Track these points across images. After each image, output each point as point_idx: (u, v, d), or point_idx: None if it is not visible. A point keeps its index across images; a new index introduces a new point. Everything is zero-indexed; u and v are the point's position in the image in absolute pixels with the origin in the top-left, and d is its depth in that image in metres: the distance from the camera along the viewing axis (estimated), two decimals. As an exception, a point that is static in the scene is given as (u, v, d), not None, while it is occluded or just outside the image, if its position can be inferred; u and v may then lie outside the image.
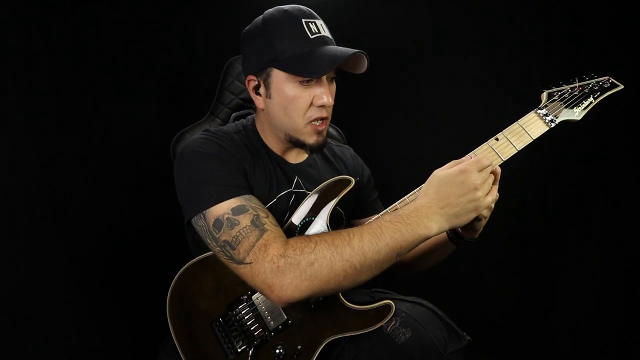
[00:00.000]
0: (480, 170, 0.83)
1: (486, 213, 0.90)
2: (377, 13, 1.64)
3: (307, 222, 0.98)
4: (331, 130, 1.42)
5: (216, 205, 0.87)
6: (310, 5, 1.00)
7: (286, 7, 0.97)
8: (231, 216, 0.85)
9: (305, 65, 0.92)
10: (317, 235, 0.83)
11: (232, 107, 1.33)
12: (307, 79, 0.94)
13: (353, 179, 1.00)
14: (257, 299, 0.94)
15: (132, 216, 1.45)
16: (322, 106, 0.97)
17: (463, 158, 0.88)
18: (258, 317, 0.94)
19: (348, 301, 0.96)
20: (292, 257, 0.79)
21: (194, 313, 0.94)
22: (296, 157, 1.12)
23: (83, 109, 1.32)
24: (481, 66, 1.67)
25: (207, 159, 0.92)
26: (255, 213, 0.86)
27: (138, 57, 1.44)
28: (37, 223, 1.21)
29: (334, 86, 1.02)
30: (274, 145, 1.08)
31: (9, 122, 1.16)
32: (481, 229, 0.96)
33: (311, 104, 0.96)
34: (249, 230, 0.83)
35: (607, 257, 1.72)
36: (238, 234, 0.83)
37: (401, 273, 1.25)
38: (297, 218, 0.99)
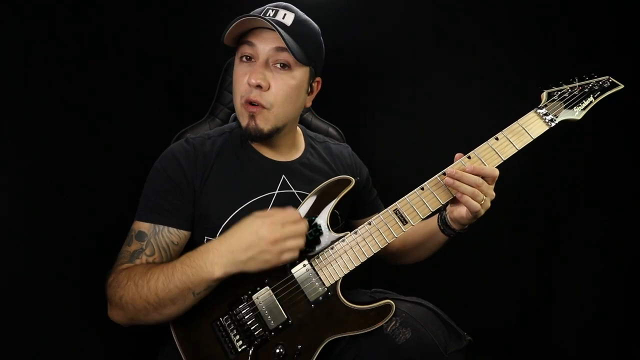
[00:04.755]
0: (285, 224, 0.85)
1: (481, 212, 0.93)
2: (377, 12, 1.64)
3: (308, 222, 0.98)
4: (331, 130, 1.42)
5: (137, 221, 0.99)
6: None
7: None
8: (133, 236, 0.97)
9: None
10: (135, 269, 0.91)
11: (232, 107, 1.33)
12: (246, 55, 0.99)
13: (353, 179, 1.00)
14: (257, 298, 0.94)
15: (132, 216, 1.44)
16: (254, 86, 0.96)
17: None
18: (258, 317, 0.94)
19: (349, 301, 0.96)
20: (111, 289, 0.91)
21: (194, 313, 0.94)
22: (287, 155, 1.12)
23: (83, 109, 1.32)
24: (482, 65, 1.67)
25: (156, 176, 1.01)
26: (144, 247, 0.96)
27: (138, 57, 1.44)
28: (37, 223, 1.21)
29: (282, 74, 0.99)
30: (260, 144, 1.08)
31: (9, 122, 1.16)
32: (469, 222, 0.97)
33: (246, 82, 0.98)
34: (126, 256, 0.95)
35: (608, 258, 1.72)
36: (123, 251, 0.96)
37: (399, 264, 1.25)
38: None
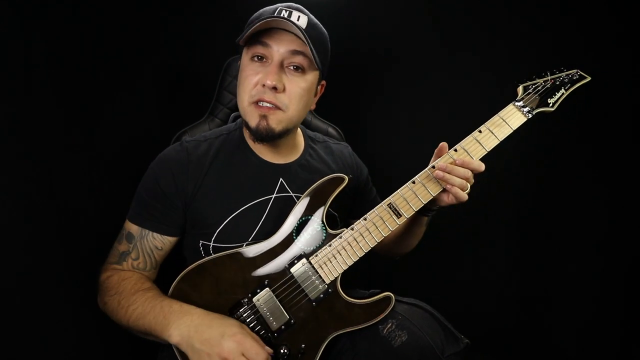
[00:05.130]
0: None
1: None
2: (377, 12, 1.64)
3: (303, 221, 0.99)
4: (330, 129, 1.42)
5: (128, 221, 1.03)
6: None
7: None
8: (124, 235, 1.02)
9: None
10: (127, 282, 0.96)
11: (231, 107, 1.34)
12: (258, 55, 0.97)
13: (346, 177, 1.01)
14: (258, 301, 0.94)
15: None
16: (270, 87, 0.95)
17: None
18: (260, 319, 0.94)
19: (349, 296, 0.96)
20: (102, 289, 0.98)
21: None
22: (286, 156, 1.10)
23: (83, 109, 1.32)
24: (481, 65, 1.67)
25: (147, 181, 1.03)
26: (130, 250, 1.01)
27: (138, 57, 1.44)
28: (36, 223, 1.21)
29: (296, 77, 0.98)
30: (258, 145, 1.07)
31: (9, 121, 1.16)
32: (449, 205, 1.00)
33: (258, 83, 0.97)
34: (115, 254, 1.02)
35: (608, 258, 1.72)
36: (114, 248, 1.03)
37: (394, 255, 1.26)
38: (293, 218, 0.99)
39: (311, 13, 1.04)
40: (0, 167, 1.14)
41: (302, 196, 1.01)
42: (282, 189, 1.06)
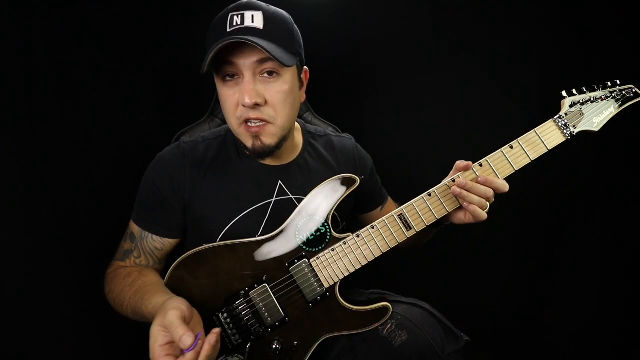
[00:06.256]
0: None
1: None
2: (378, 12, 1.64)
3: (307, 220, 0.97)
4: (330, 129, 1.41)
5: (132, 221, 1.05)
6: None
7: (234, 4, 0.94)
8: (128, 235, 1.05)
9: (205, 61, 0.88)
10: (116, 280, 0.99)
11: (232, 107, 1.33)
12: (229, 74, 0.91)
13: (358, 179, 0.98)
14: (254, 295, 0.94)
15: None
16: (250, 106, 0.89)
17: None
18: (255, 314, 0.94)
19: (347, 301, 0.96)
20: (106, 281, 1.02)
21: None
22: (283, 158, 1.07)
23: (83, 109, 1.32)
24: (481, 65, 1.66)
25: (145, 184, 1.03)
26: (133, 249, 1.04)
27: (138, 57, 1.44)
28: (37, 223, 1.21)
29: (274, 82, 0.91)
30: None
31: (9, 122, 1.16)
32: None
33: (239, 103, 0.91)
34: (120, 252, 1.05)
35: (608, 258, 1.71)
36: (120, 246, 1.06)
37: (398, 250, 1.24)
38: (298, 216, 0.98)
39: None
40: (0, 168, 1.14)
41: (309, 194, 0.98)
42: (281, 191, 1.04)
